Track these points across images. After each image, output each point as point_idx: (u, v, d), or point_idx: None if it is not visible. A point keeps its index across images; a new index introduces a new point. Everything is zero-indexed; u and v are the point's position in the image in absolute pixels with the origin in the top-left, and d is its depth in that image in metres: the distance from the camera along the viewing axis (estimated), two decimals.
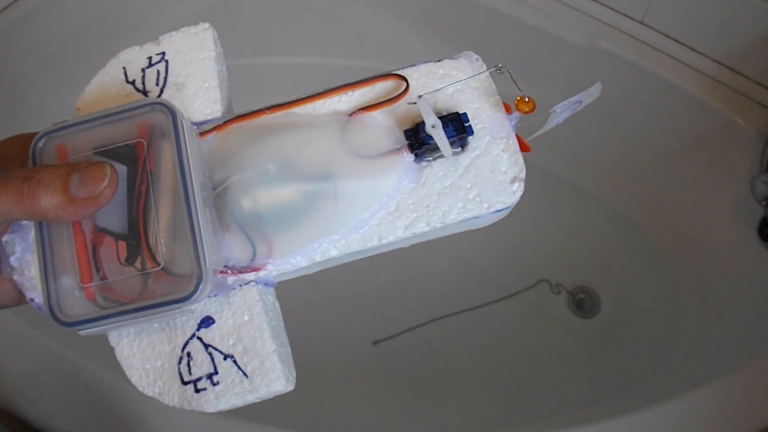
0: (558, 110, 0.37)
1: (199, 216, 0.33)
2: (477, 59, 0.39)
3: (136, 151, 0.34)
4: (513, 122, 0.37)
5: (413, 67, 0.39)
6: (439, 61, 0.39)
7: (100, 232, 0.34)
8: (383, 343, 1.10)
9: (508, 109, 0.37)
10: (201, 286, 0.33)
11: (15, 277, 0.36)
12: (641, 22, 0.96)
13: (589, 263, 1.17)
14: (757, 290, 0.92)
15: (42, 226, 0.34)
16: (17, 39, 0.93)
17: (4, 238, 0.36)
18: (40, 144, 0.35)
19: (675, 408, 0.75)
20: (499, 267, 1.17)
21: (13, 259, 0.36)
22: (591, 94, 0.37)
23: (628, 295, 1.13)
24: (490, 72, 0.38)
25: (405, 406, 1.04)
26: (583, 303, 1.14)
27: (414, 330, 1.11)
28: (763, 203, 0.86)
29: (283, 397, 0.36)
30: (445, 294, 1.15)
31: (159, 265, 0.33)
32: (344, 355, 1.10)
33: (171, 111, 0.34)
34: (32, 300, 0.36)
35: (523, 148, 0.37)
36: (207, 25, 0.41)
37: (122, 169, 0.34)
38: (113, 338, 0.36)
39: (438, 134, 0.35)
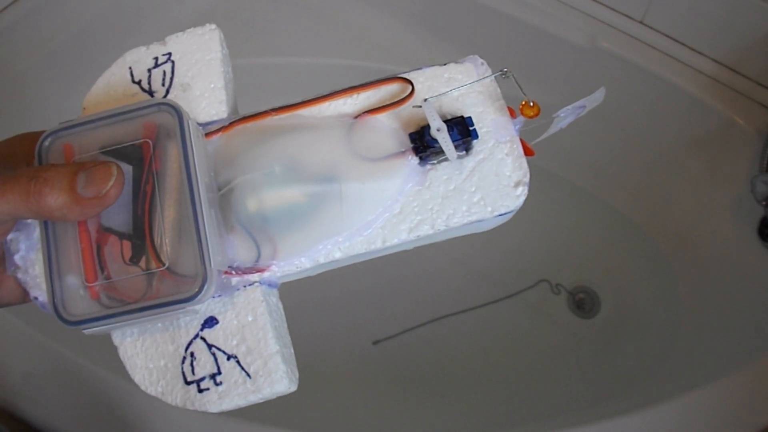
0: (562, 115, 0.37)
1: (205, 217, 0.33)
2: (482, 63, 0.39)
3: (142, 151, 0.34)
4: (517, 126, 0.37)
5: (418, 71, 0.39)
6: (444, 64, 0.39)
7: (105, 231, 0.34)
8: (383, 343, 1.10)
9: (512, 113, 0.38)
10: (206, 287, 0.33)
11: (19, 276, 0.36)
12: (641, 22, 0.96)
13: (589, 263, 1.17)
14: (756, 290, 0.92)
15: (47, 225, 0.34)
16: (19, 37, 0.93)
17: (9, 236, 0.36)
18: (47, 143, 0.35)
19: (675, 408, 0.75)
20: (499, 267, 1.17)
21: (17, 257, 0.36)
22: (594, 99, 0.37)
23: (628, 295, 1.13)
24: (495, 76, 0.38)
25: (405, 406, 1.04)
26: (583, 303, 1.14)
27: (414, 330, 1.11)
28: (763, 203, 0.86)
29: (283, 396, 0.36)
30: (445, 294, 1.15)
31: (164, 265, 0.33)
32: (344, 355, 1.10)
33: (177, 111, 0.35)
34: (36, 298, 0.36)
35: (527, 152, 0.37)
36: (213, 26, 0.41)
37: (128, 168, 0.34)
38: (116, 337, 0.36)
39: (443, 138, 0.35)
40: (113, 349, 0.37)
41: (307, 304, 1.00)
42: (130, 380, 0.36)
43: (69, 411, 0.73)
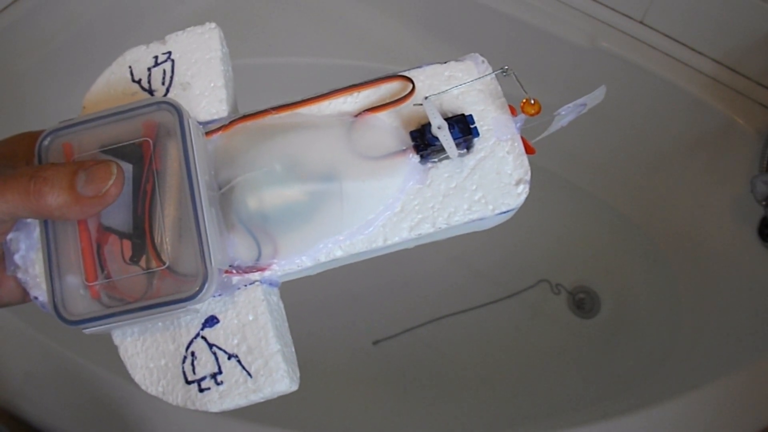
0: (563, 113, 0.37)
1: (205, 215, 0.33)
2: (483, 61, 0.39)
3: (142, 149, 0.34)
4: (518, 124, 0.37)
5: (419, 69, 0.39)
6: (445, 62, 0.39)
7: (105, 230, 0.34)
8: (383, 343, 1.10)
9: (513, 111, 0.38)
10: (206, 286, 0.33)
11: (19, 275, 0.36)
12: (641, 22, 0.96)
13: (589, 263, 1.17)
14: (757, 290, 0.92)
15: (47, 225, 0.34)
16: (19, 37, 0.92)
17: (9, 236, 0.36)
18: (46, 142, 0.35)
19: (675, 408, 0.75)
20: (499, 267, 1.17)
21: (17, 257, 0.36)
22: (595, 97, 0.37)
23: (628, 295, 1.13)
24: (495, 74, 0.38)
25: (405, 406, 1.04)
26: (583, 303, 1.14)
27: (414, 330, 1.11)
28: (763, 203, 0.86)
29: (283, 396, 0.36)
30: (445, 294, 1.15)
31: (164, 264, 0.33)
32: (344, 355, 1.10)
33: (177, 110, 0.34)
34: (36, 298, 0.36)
35: (528, 150, 0.37)
36: (213, 25, 0.41)
37: (128, 167, 0.34)
38: (117, 337, 0.36)
39: (444, 135, 0.35)
40: (113, 349, 0.37)
41: (308, 303, 0.99)
42: (130, 380, 0.36)
43: (69, 411, 0.73)
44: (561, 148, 1.08)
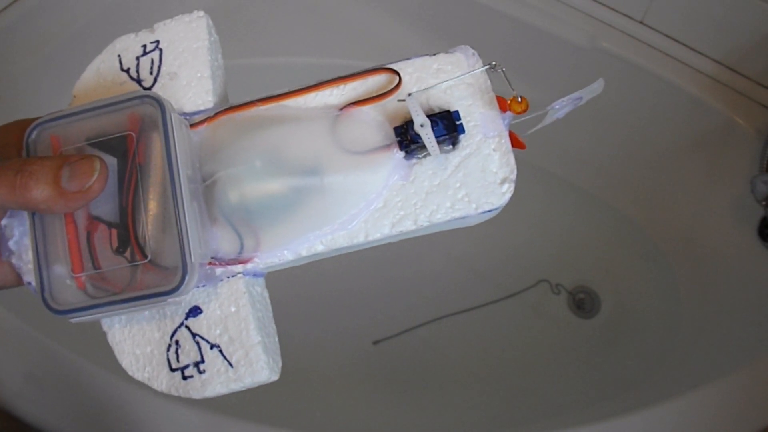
0: (557, 107, 0.36)
1: (186, 210, 0.33)
2: (473, 54, 0.38)
3: (127, 142, 0.35)
4: (506, 121, 0.36)
5: (407, 61, 0.38)
6: (434, 54, 0.38)
7: (95, 219, 0.34)
8: (383, 343, 1.10)
9: (502, 103, 0.37)
10: (186, 280, 0.33)
11: (13, 261, 0.36)
12: (641, 22, 0.96)
13: (589, 263, 1.17)
14: (757, 290, 0.91)
15: (35, 216, 0.35)
16: (17, 39, 0.93)
17: (3, 222, 0.36)
18: (34, 135, 0.35)
19: (675, 408, 0.75)
20: (499, 267, 1.17)
21: (11, 243, 0.36)
22: (593, 89, 0.36)
23: (628, 295, 1.13)
24: (484, 69, 0.37)
25: (405, 406, 1.04)
26: (583, 303, 1.14)
27: (414, 330, 1.11)
28: (763, 203, 0.86)
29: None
30: (445, 294, 1.15)
31: (146, 257, 0.34)
32: (344, 355, 1.10)
33: (160, 104, 0.35)
34: (29, 283, 0.36)
35: (518, 145, 0.36)
36: (201, 13, 0.41)
37: (113, 161, 0.34)
38: (105, 323, 0.37)
39: (426, 134, 0.34)
40: (105, 335, 0.37)
41: (308, 304, 1.00)
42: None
43: (69, 411, 0.73)
44: (561, 148, 1.08)
